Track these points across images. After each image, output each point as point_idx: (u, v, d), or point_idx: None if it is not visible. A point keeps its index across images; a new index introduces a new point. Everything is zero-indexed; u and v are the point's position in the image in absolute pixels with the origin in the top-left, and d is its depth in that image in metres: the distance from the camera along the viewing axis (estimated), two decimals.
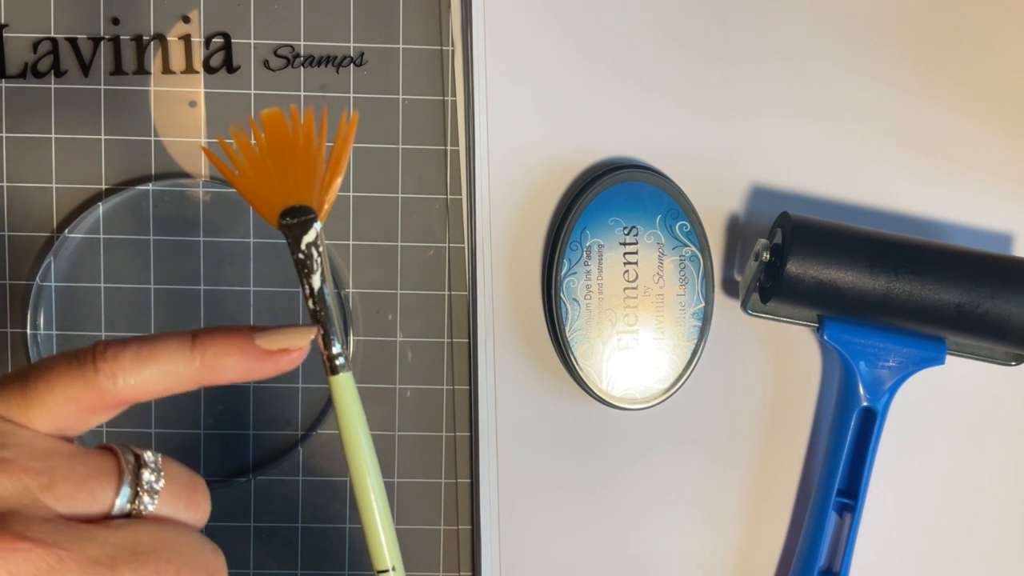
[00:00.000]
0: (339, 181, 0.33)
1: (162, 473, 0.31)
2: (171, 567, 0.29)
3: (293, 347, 0.32)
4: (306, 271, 0.33)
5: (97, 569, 0.28)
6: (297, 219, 0.33)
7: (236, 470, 0.51)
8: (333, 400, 0.34)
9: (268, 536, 0.52)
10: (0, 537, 0.27)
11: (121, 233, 0.50)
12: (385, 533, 0.35)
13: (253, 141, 0.33)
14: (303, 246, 0.33)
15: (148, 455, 0.31)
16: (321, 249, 0.33)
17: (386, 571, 0.35)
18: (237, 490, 0.51)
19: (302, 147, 0.33)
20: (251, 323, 0.50)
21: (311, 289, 0.33)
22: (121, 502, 0.30)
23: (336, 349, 0.33)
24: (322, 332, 0.33)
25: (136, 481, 0.30)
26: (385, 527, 0.35)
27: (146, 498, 0.30)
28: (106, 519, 0.30)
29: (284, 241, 0.33)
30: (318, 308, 0.33)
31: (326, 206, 0.33)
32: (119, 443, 0.31)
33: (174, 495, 0.31)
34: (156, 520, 0.31)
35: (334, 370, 0.34)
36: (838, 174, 0.51)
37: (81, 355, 0.31)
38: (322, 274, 0.33)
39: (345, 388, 0.34)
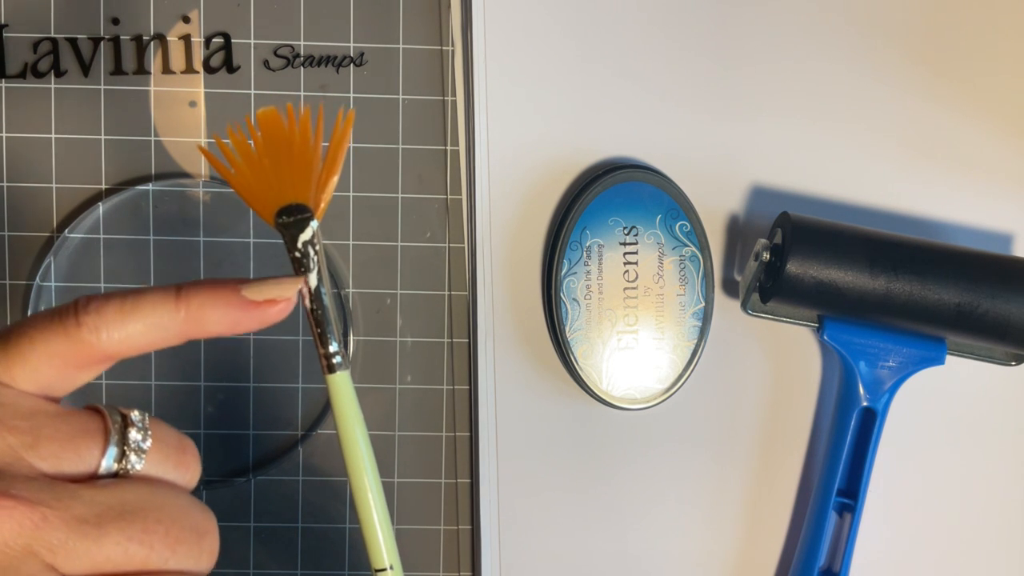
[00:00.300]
0: (335, 179, 0.33)
1: (149, 432, 0.30)
2: (160, 526, 0.29)
3: (279, 297, 0.32)
4: (303, 270, 0.33)
5: (83, 527, 0.28)
6: (293, 217, 0.33)
7: (236, 470, 0.51)
8: (331, 399, 0.34)
9: (268, 536, 0.52)
10: None
11: (121, 233, 0.50)
12: (383, 532, 0.34)
13: (250, 140, 0.33)
14: (299, 244, 0.33)
15: (135, 414, 0.30)
16: (318, 247, 0.33)
17: (384, 570, 0.35)
18: (237, 490, 0.51)
19: (298, 146, 0.33)
20: None
21: (307, 288, 0.33)
22: (108, 462, 0.29)
23: (333, 348, 0.33)
24: (319, 331, 0.33)
25: (123, 440, 0.30)
26: (383, 526, 0.34)
27: (133, 457, 0.30)
28: (93, 479, 0.29)
29: (283, 241, 0.33)
30: (315, 307, 0.33)
31: (322, 204, 0.33)
32: (106, 404, 0.31)
33: (162, 455, 0.30)
34: (144, 480, 0.30)
35: (331, 369, 0.34)
36: (838, 174, 0.51)
37: (63, 310, 0.30)
38: (319, 272, 0.33)
39: (342, 387, 0.34)
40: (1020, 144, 0.51)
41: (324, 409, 0.51)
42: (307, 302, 0.33)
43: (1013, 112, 0.51)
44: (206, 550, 0.30)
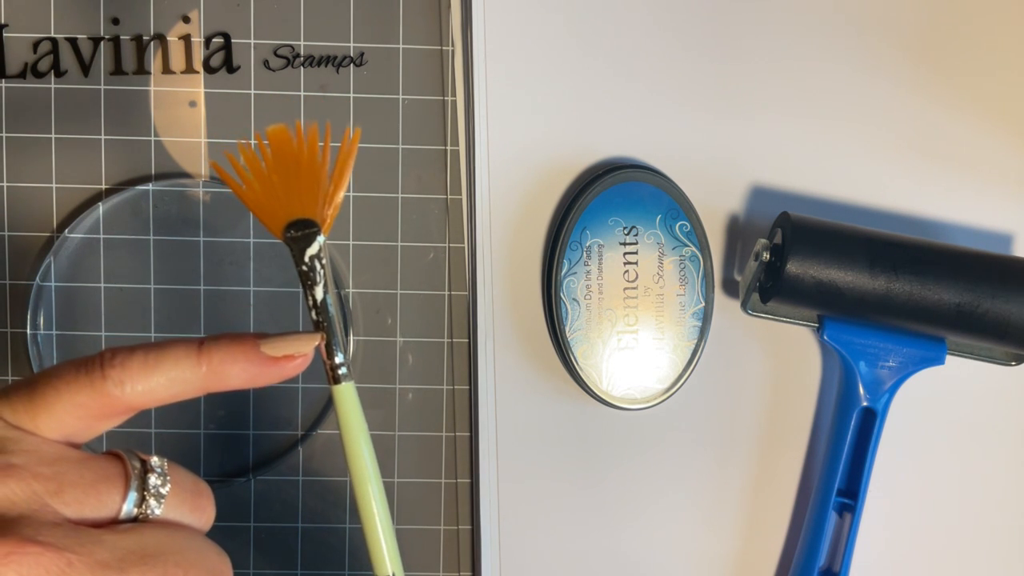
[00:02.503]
0: (342, 195, 0.34)
1: (168, 478, 0.31)
2: (179, 570, 0.30)
3: (297, 353, 0.33)
4: (309, 283, 0.34)
5: (106, 572, 0.29)
6: (301, 232, 0.34)
7: (236, 470, 0.51)
8: (336, 409, 0.35)
9: (267, 537, 0.52)
10: (11, 541, 0.28)
11: (121, 233, 0.50)
12: (386, 539, 0.35)
13: (259, 156, 0.34)
14: (307, 258, 0.34)
15: (154, 460, 0.32)
16: (324, 261, 0.34)
17: None
18: (237, 490, 0.51)
19: (306, 162, 0.34)
20: (251, 323, 0.50)
21: (314, 300, 0.34)
22: (128, 507, 0.31)
23: (339, 359, 0.34)
24: (325, 342, 0.34)
25: (143, 486, 0.31)
26: (386, 533, 0.35)
27: (152, 502, 0.31)
28: (113, 524, 0.30)
29: (291, 254, 0.34)
30: (321, 319, 0.34)
31: (329, 220, 0.34)
32: (125, 449, 0.32)
33: (180, 499, 0.32)
34: (162, 524, 0.31)
35: (337, 379, 0.34)
36: (838, 174, 0.51)
37: (89, 362, 0.31)
38: (325, 285, 0.34)
39: (347, 397, 0.35)
40: (1020, 144, 0.51)
41: (324, 409, 0.51)
42: (313, 315, 0.34)
43: (1013, 112, 0.51)
44: None
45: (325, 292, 0.34)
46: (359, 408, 0.35)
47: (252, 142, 0.35)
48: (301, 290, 0.34)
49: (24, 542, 0.28)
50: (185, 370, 0.32)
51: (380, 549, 0.35)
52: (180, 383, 0.32)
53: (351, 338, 0.51)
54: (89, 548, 0.29)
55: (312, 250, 0.34)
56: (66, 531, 0.29)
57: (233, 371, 0.32)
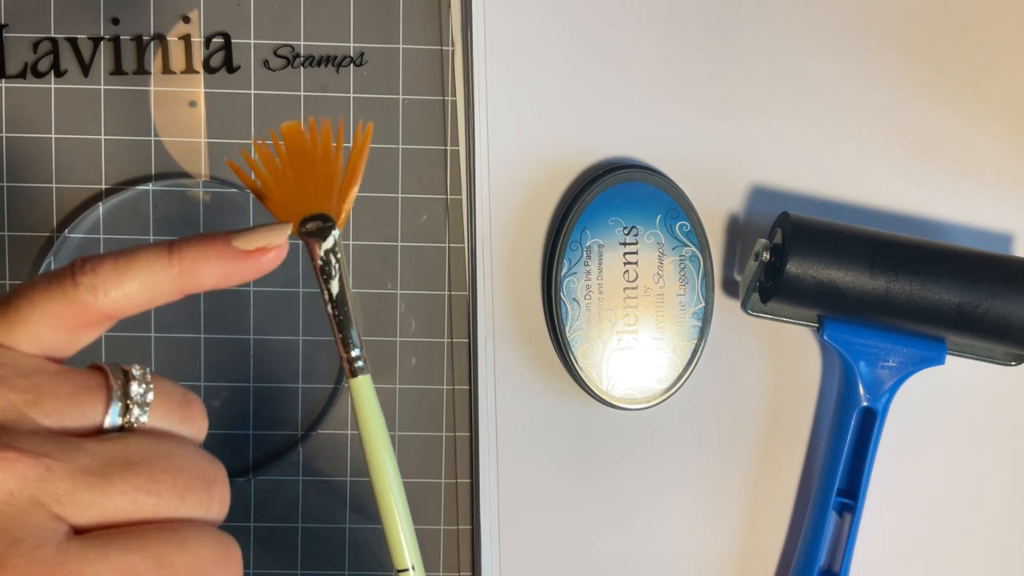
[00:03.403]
0: (356, 189, 0.35)
1: (151, 386, 0.31)
2: (167, 475, 0.29)
3: (270, 244, 0.32)
4: (325, 277, 0.34)
5: (89, 478, 0.28)
6: (316, 227, 0.34)
7: (236, 470, 0.51)
8: (353, 402, 0.35)
9: (268, 536, 0.52)
10: None
11: (121, 233, 0.50)
12: (405, 533, 0.35)
13: (274, 153, 0.34)
14: (322, 253, 0.34)
15: (135, 369, 0.31)
16: (339, 255, 0.34)
17: (406, 570, 0.35)
18: (237, 490, 0.51)
19: (320, 158, 0.34)
20: (251, 323, 0.50)
21: (330, 294, 0.34)
22: (112, 417, 0.30)
23: (355, 352, 0.34)
24: (341, 336, 0.34)
25: (126, 395, 0.30)
26: (405, 527, 0.35)
27: (136, 411, 0.30)
28: (98, 434, 0.30)
29: (306, 249, 0.34)
30: (337, 313, 0.34)
31: (343, 214, 0.35)
32: (108, 362, 0.31)
33: (166, 409, 0.31)
34: (150, 432, 0.30)
35: (354, 372, 0.35)
36: (838, 174, 0.51)
37: (61, 271, 0.31)
38: (340, 279, 0.34)
39: (365, 390, 0.35)
40: (1020, 144, 0.51)
41: (324, 409, 0.51)
42: (329, 308, 0.34)
43: (1013, 112, 0.51)
44: (216, 498, 0.31)
45: (341, 286, 0.34)
46: (376, 401, 0.35)
47: (268, 141, 0.35)
48: (317, 284, 0.34)
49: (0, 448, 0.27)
50: (157, 272, 0.31)
51: (400, 543, 0.35)
52: (154, 286, 0.31)
53: None
54: (70, 455, 0.28)
55: (327, 244, 0.34)
56: (45, 439, 0.28)
57: (206, 269, 0.32)
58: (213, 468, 0.31)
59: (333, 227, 0.34)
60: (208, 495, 0.30)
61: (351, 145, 0.35)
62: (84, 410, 0.30)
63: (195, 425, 0.32)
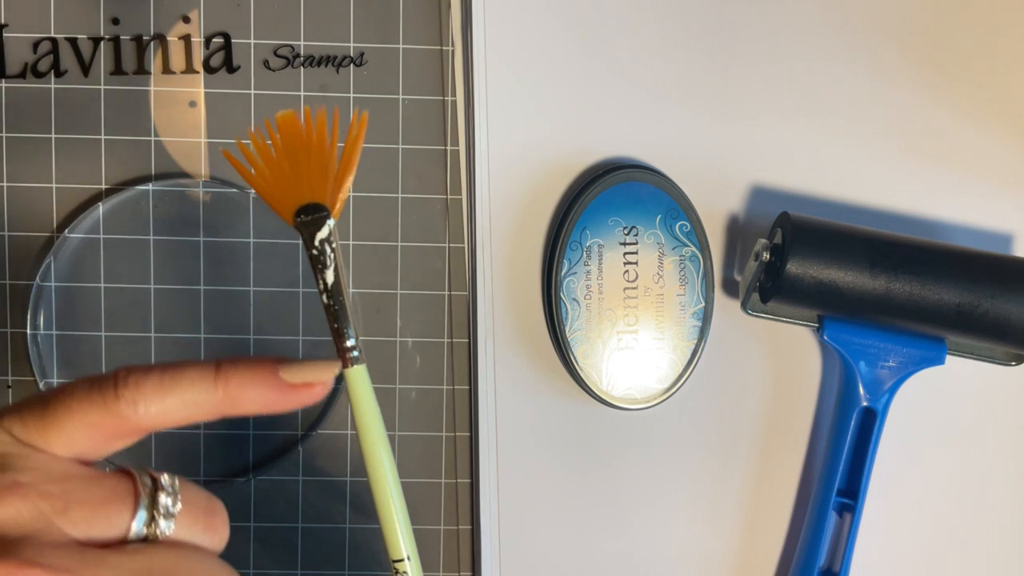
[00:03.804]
0: (351, 179, 0.35)
1: (179, 496, 0.31)
2: None
3: (317, 381, 0.32)
4: (320, 266, 0.34)
5: None
6: (311, 216, 0.34)
7: (236, 470, 0.51)
8: (348, 393, 0.35)
9: (268, 536, 0.52)
10: (11, 563, 0.27)
11: (121, 233, 0.50)
12: (401, 523, 0.35)
13: (269, 143, 0.34)
14: (317, 242, 0.34)
15: (165, 478, 0.31)
16: (334, 245, 0.34)
17: (401, 560, 0.35)
18: (237, 490, 0.51)
19: (315, 147, 0.34)
20: (251, 323, 0.50)
21: (325, 284, 0.34)
22: (137, 526, 0.30)
23: (351, 343, 0.34)
24: (336, 326, 0.34)
25: (153, 504, 0.30)
26: (400, 517, 0.35)
27: (163, 522, 0.30)
28: (122, 544, 0.30)
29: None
30: (332, 303, 0.34)
31: (339, 204, 0.35)
32: (136, 465, 0.31)
33: (191, 519, 0.31)
34: (173, 544, 0.30)
35: (349, 363, 0.34)
36: (838, 174, 0.51)
37: (102, 381, 0.31)
38: (336, 269, 0.34)
39: (360, 381, 0.35)
40: (1020, 144, 0.51)
41: (324, 409, 0.51)
42: (324, 298, 0.34)
43: (1013, 112, 0.51)
44: None
45: (336, 276, 0.34)
46: (371, 391, 0.35)
47: (261, 128, 0.35)
48: (312, 275, 0.34)
49: (25, 564, 0.27)
50: (200, 392, 0.31)
51: (396, 533, 0.35)
52: (194, 406, 0.31)
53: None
54: (93, 570, 0.28)
55: (322, 234, 0.34)
56: (70, 552, 0.28)
57: (250, 396, 0.32)
58: None
59: (328, 217, 0.34)
60: None
61: (346, 134, 0.35)
62: (111, 519, 0.30)
63: (217, 535, 0.32)
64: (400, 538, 0.35)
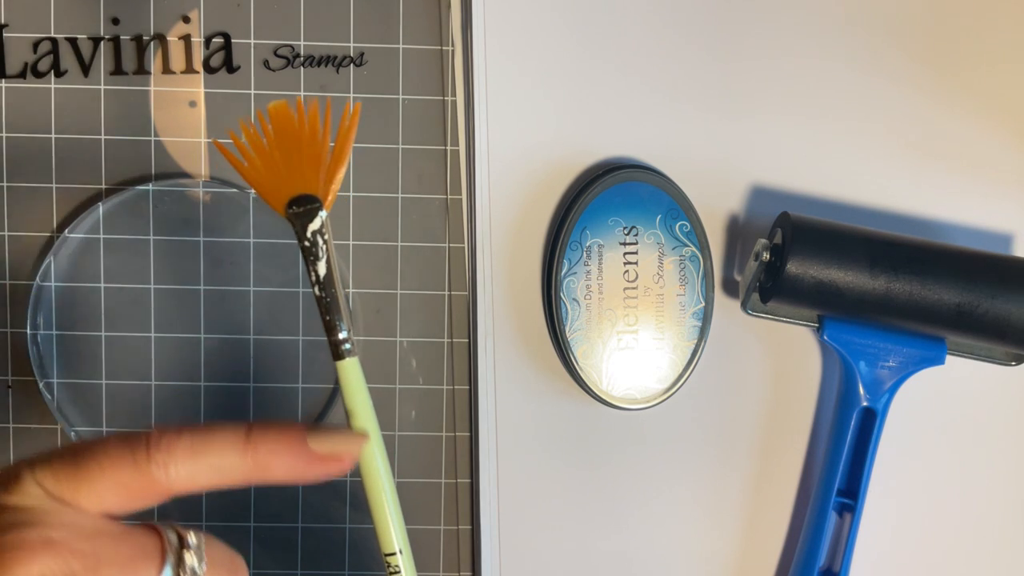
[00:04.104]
0: (343, 171, 0.35)
1: (204, 555, 0.31)
2: None
3: (345, 453, 0.33)
4: (312, 258, 0.34)
5: None
6: (303, 208, 0.34)
7: None
8: (340, 385, 0.35)
9: (268, 536, 0.52)
10: None
11: (121, 233, 0.50)
12: (393, 516, 0.35)
13: (261, 134, 0.34)
14: (309, 234, 0.34)
15: (191, 537, 0.31)
16: (327, 236, 0.34)
17: (393, 554, 0.36)
18: (237, 490, 0.51)
19: (308, 139, 0.34)
20: (251, 324, 0.50)
21: (317, 276, 0.34)
22: None
23: (343, 335, 0.34)
24: (328, 318, 0.34)
25: (178, 563, 0.31)
26: (392, 511, 0.35)
27: None
28: None
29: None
30: (324, 295, 0.34)
31: (331, 195, 0.35)
32: (164, 522, 0.32)
33: None
34: None
35: (340, 355, 0.35)
36: (838, 174, 0.51)
37: (135, 442, 0.31)
38: (328, 261, 0.34)
39: (352, 372, 0.35)
40: (1020, 144, 0.51)
41: (324, 409, 0.51)
42: (316, 290, 0.34)
43: (1013, 112, 0.51)
44: None
45: (328, 268, 0.34)
46: (363, 383, 0.35)
47: (253, 119, 0.35)
48: (304, 266, 0.34)
49: None
50: (230, 459, 0.32)
51: (387, 526, 0.35)
52: (223, 471, 0.32)
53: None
54: None
55: (314, 225, 0.34)
56: None
57: (278, 464, 0.32)
58: None
59: (320, 208, 0.34)
60: None
61: (339, 126, 0.35)
62: None
63: None
64: (392, 531, 0.35)
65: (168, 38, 0.50)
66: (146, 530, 0.31)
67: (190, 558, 0.31)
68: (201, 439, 0.31)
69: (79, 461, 0.31)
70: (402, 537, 0.35)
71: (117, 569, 0.29)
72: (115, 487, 0.31)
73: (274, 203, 0.34)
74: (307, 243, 0.34)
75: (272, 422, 0.32)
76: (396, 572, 0.36)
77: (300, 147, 0.34)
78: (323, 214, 0.34)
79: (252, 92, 0.50)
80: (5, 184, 0.50)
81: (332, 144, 0.35)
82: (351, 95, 0.50)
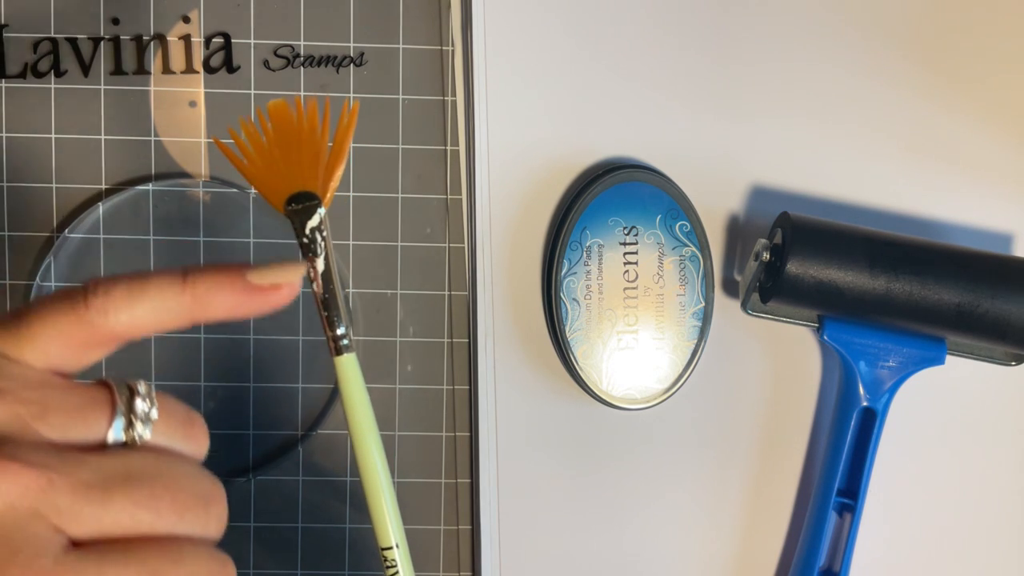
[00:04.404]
0: (342, 168, 0.35)
1: (155, 403, 0.31)
2: (166, 492, 0.29)
3: (284, 282, 0.32)
4: (311, 255, 0.34)
5: (89, 492, 0.28)
6: (302, 205, 0.34)
7: (236, 470, 0.51)
8: (338, 381, 0.35)
9: (268, 536, 0.52)
10: None
11: (121, 233, 0.50)
12: (390, 511, 0.35)
13: (260, 132, 0.34)
14: (307, 231, 0.34)
15: (142, 386, 0.31)
16: (325, 233, 0.34)
17: (390, 548, 0.36)
18: (237, 490, 0.51)
19: (307, 136, 0.35)
20: (251, 323, 0.50)
21: (316, 272, 0.34)
22: (115, 432, 0.30)
23: (340, 331, 0.34)
24: (327, 314, 0.34)
25: (130, 410, 0.30)
26: (389, 505, 0.35)
27: (139, 427, 0.30)
28: (101, 449, 0.30)
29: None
30: (322, 291, 0.34)
31: (330, 192, 0.35)
32: (114, 377, 0.31)
33: (170, 426, 0.31)
34: (152, 449, 0.31)
35: (339, 351, 0.35)
36: (838, 174, 0.51)
37: (73, 292, 0.31)
38: (326, 258, 0.34)
39: (350, 369, 0.35)
40: (1020, 144, 0.51)
41: (324, 409, 0.51)
42: (315, 287, 0.34)
43: (1013, 112, 0.51)
44: (214, 516, 0.31)
45: (327, 264, 0.34)
46: (361, 379, 0.35)
47: (253, 117, 0.35)
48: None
49: (4, 459, 0.27)
50: (169, 299, 0.31)
51: (384, 520, 0.35)
52: (164, 312, 0.31)
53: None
54: (71, 468, 0.28)
55: (313, 222, 0.34)
56: (48, 452, 0.28)
57: (217, 300, 0.32)
58: (212, 487, 0.31)
59: (319, 205, 0.34)
60: (206, 513, 0.31)
61: (338, 124, 0.35)
62: (88, 425, 0.30)
63: (197, 443, 0.32)
64: (389, 525, 0.35)
65: (168, 38, 0.50)
66: (97, 384, 0.31)
67: (141, 404, 0.31)
68: (138, 282, 0.31)
69: (20, 318, 0.31)
70: (399, 531, 0.36)
71: (66, 415, 0.29)
72: (58, 337, 0.31)
73: (273, 200, 0.35)
74: (306, 240, 0.34)
75: (209, 264, 0.32)
76: (393, 566, 0.36)
77: (299, 145, 0.35)
78: (322, 211, 0.34)
79: (252, 92, 0.50)
80: (5, 184, 0.50)
81: (331, 142, 0.35)
82: (351, 95, 0.50)
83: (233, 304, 0.32)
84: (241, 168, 0.35)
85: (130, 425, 0.30)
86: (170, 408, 0.31)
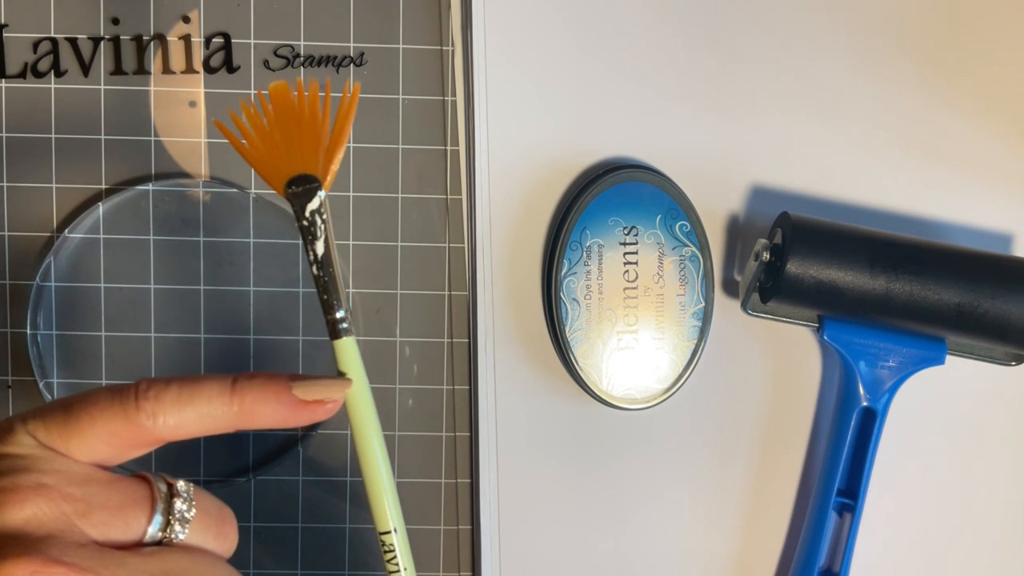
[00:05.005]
0: (342, 151, 0.35)
1: (194, 503, 0.32)
2: None
3: (328, 399, 0.34)
4: (310, 237, 0.35)
5: None
6: (302, 187, 0.34)
7: (236, 470, 0.51)
8: (337, 363, 0.35)
9: (268, 536, 0.52)
10: (37, 560, 0.28)
11: (121, 233, 0.50)
12: (388, 495, 0.35)
13: (261, 114, 0.35)
14: (307, 213, 0.34)
15: (180, 485, 0.32)
16: (325, 216, 0.35)
17: (388, 532, 0.36)
18: (237, 490, 0.51)
19: (307, 119, 0.35)
20: (251, 324, 0.50)
21: (315, 255, 0.34)
22: (153, 530, 0.31)
23: (340, 314, 0.34)
24: (325, 297, 0.35)
25: (168, 510, 0.32)
26: (388, 489, 0.35)
27: (177, 527, 0.32)
28: (138, 546, 0.31)
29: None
30: (322, 274, 0.34)
31: (330, 176, 0.35)
32: (154, 472, 0.33)
33: (204, 525, 0.32)
34: (186, 549, 0.32)
35: (337, 334, 0.35)
36: (838, 174, 0.51)
37: (124, 392, 0.32)
38: (326, 241, 0.34)
39: (348, 352, 0.35)
40: (1020, 144, 0.51)
41: None
42: (314, 270, 0.34)
43: (1013, 112, 0.51)
44: None
45: (326, 247, 0.34)
46: (360, 362, 0.35)
47: (254, 99, 0.35)
48: (302, 246, 0.35)
49: (49, 562, 0.28)
50: (217, 407, 0.32)
51: (383, 505, 0.36)
52: (211, 419, 0.32)
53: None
54: (112, 570, 0.29)
55: (313, 205, 0.34)
56: (91, 552, 0.29)
57: (264, 411, 0.33)
58: None
59: (319, 188, 0.34)
60: None
61: (338, 107, 0.35)
62: (128, 523, 0.31)
63: (228, 541, 0.33)
64: (388, 509, 0.35)
65: (168, 38, 0.50)
66: (137, 479, 0.32)
67: (179, 504, 0.32)
68: (188, 388, 0.32)
69: (69, 412, 0.32)
70: (397, 516, 0.36)
71: (108, 514, 0.30)
72: (105, 436, 0.32)
73: (273, 183, 0.35)
74: (305, 222, 0.34)
75: (258, 372, 0.33)
76: (391, 551, 0.36)
77: (300, 127, 0.35)
78: (322, 194, 0.34)
79: (252, 92, 0.50)
80: (5, 184, 0.50)
81: (332, 125, 0.35)
82: (351, 95, 0.50)
83: (279, 417, 0.33)
84: (241, 150, 0.35)
85: (168, 524, 0.31)
86: (206, 507, 0.33)
